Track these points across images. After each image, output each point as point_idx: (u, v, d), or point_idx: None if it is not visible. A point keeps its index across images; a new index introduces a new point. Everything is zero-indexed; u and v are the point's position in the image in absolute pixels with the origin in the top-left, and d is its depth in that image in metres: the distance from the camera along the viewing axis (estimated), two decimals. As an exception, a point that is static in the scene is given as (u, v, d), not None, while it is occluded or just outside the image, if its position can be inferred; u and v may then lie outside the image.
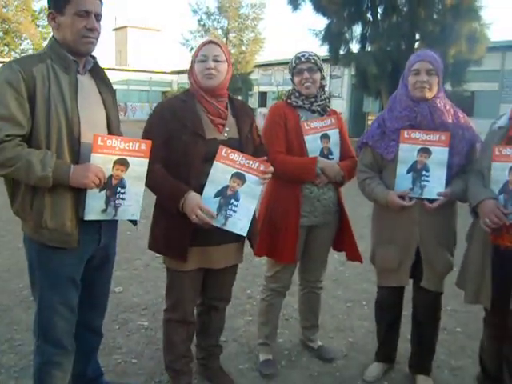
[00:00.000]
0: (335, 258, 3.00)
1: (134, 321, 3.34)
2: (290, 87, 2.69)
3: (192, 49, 17.77)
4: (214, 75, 2.16)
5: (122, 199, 1.93)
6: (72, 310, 1.99)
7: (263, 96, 28.46)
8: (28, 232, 1.90)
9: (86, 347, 2.31)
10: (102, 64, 2.11)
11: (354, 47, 12.02)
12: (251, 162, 2.15)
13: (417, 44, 11.17)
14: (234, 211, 2.14)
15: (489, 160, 2.20)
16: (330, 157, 2.58)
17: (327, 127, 2.56)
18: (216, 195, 2.12)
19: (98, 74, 2.03)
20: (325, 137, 2.55)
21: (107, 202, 1.90)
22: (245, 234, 2.18)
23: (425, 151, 2.36)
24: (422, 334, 2.62)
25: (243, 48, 17.99)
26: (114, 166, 1.88)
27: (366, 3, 11.33)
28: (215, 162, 2.11)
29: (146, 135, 2.15)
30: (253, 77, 25.18)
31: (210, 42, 2.22)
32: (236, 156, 2.13)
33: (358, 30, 11.66)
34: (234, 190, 2.14)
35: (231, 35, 18.04)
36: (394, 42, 11.07)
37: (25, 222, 1.89)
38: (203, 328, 2.57)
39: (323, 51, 12.62)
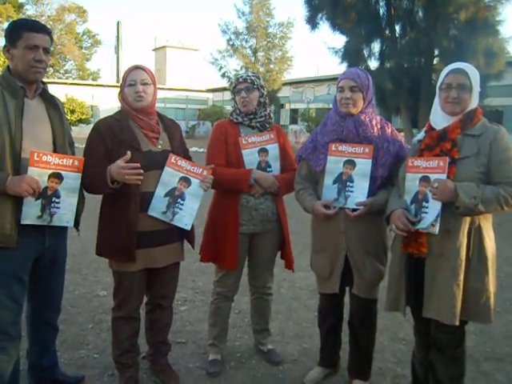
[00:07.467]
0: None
1: (108, 321, 3.52)
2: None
3: (221, 68, 18.42)
4: (143, 97, 2.43)
5: (57, 208, 2.20)
6: (16, 301, 2.23)
7: (294, 113, 28.73)
8: None
9: (42, 339, 2.58)
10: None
11: (374, 64, 12.09)
12: (195, 168, 2.50)
13: (435, 60, 11.13)
14: (181, 209, 2.46)
15: (404, 171, 2.33)
16: (269, 169, 2.76)
17: (265, 142, 2.75)
18: (165, 195, 2.44)
19: (46, 97, 2.33)
20: (263, 151, 2.74)
21: (43, 210, 2.17)
22: (189, 229, 2.50)
23: (350, 163, 2.50)
24: (357, 339, 2.70)
25: (271, 66, 18.35)
26: (48, 179, 2.16)
27: (383, 20, 11.42)
28: (166, 167, 2.44)
29: (86, 150, 2.41)
30: (284, 94, 25.55)
31: (136, 67, 2.47)
32: (183, 163, 2.47)
33: (376, 47, 11.72)
34: (181, 191, 2.46)
35: (259, 54, 18.49)
36: (412, 58, 11.07)
37: None
38: (150, 325, 2.78)
39: (344, 69, 12.78)
